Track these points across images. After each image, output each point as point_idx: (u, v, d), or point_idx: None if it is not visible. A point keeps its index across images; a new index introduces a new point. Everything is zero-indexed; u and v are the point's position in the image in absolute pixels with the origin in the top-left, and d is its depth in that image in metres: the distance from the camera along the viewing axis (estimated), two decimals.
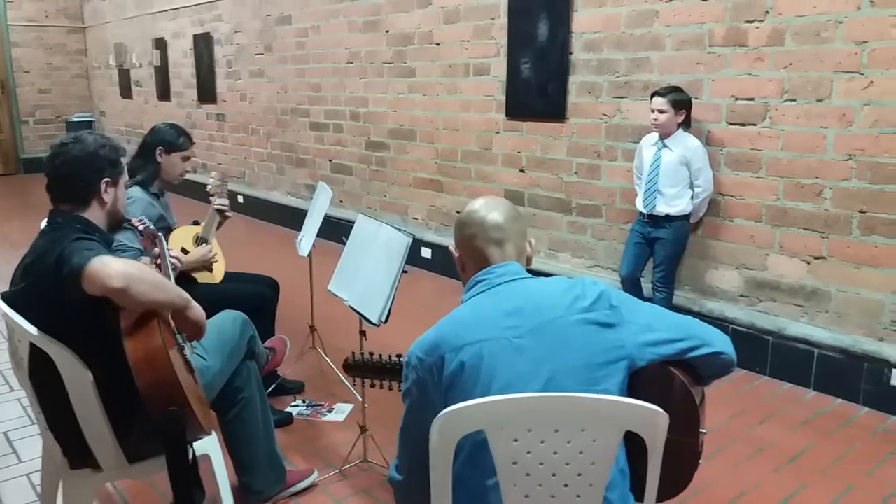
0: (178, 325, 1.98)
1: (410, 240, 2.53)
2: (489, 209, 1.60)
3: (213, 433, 2.11)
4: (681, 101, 3.61)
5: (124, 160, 2.12)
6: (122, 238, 2.62)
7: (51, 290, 1.80)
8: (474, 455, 1.38)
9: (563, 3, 4.34)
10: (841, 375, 3.36)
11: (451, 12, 5.12)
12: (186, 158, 3.14)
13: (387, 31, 5.69)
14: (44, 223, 2.03)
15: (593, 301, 1.47)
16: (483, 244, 1.58)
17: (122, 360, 1.74)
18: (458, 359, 1.41)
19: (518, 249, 1.60)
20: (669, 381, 1.52)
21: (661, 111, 3.60)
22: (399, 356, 2.00)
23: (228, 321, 2.41)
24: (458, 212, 5.32)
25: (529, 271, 1.60)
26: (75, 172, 1.99)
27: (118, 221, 2.13)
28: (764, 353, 3.61)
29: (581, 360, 1.41)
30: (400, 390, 1.88)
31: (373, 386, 2.31)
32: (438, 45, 5.26)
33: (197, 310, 1.96)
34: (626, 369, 1.45)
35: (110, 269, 1.70)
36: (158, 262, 2.31)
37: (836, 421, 3.19)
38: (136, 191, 2.96)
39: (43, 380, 1.90)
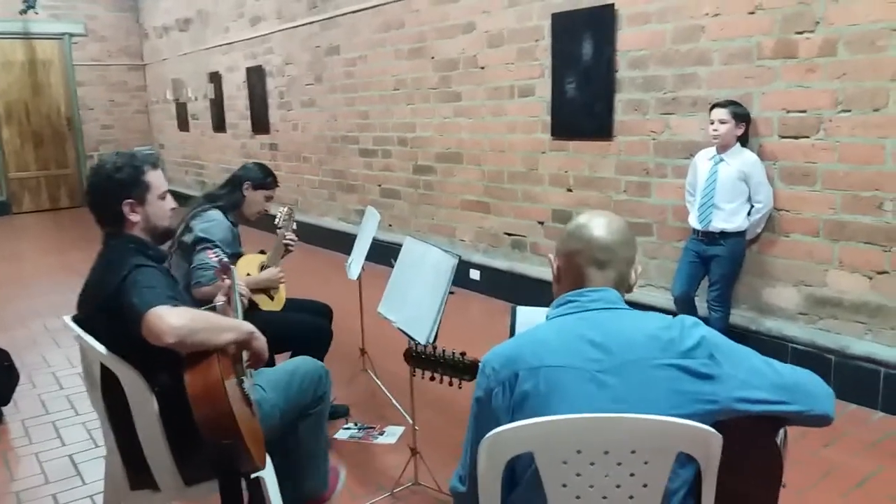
0: (242, 353, 2.02)
1: (456, 261, 2.54)
2: (600, 227, 1.48)
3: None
4: (741, 114, 3.57)
5: (150, 174, 2.05)
6: (204, 258, 2.85)
7: (114, 317, 1.84)
8: (531, 485, 1.35)
9: (607, 21, 4.33)
10: None
11: (494, 36, 5.16)
12: (269, 198, 3.33)
13: (432, 57, 5.77)
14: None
15: (692, 347, 1.35)
16: (584, 263, 1.47)
17: (183, 387, 1.78)
18: (533, 380, 1.35)
19: (620, 276, 1.49)
20: (757, 436, 1.43)
21: (721, 121, 3.54)
22: (463, 354, 1.97)
23: (307, 364, 2.40)
24: (505, 233, 5.33)
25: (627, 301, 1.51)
26: (98, 200, 2.04)
27: (161, 235, 2.13)
28: (826, 372, 3.47)
29: (665, 407, 1.30)
30: (459, 387, 1.87)
31: (432, 379, 2.21)
32: (483, 68, 5.31)
33: (259, 340, 2.00)
34: (712, 421, 1.34)
35: (164, 325, 1.72)
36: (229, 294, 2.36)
37: None
38: (218, 214, 3.11)
39: (114, 399, 1.96)
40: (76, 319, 2.03)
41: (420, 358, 2.13)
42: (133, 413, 1.92)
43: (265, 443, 2.04)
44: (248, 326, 1.98)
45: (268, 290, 3.22)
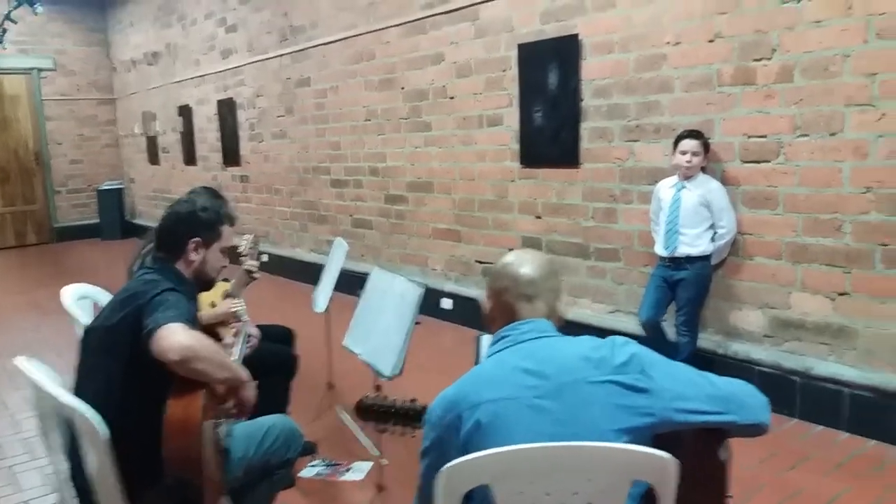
0: (229, 398, 2.03)
1: (422, 291, 2.53)
2: (524, 263, 1.56)
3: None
4: (708, 145, 3.65)
5: (226, 228, 2.22)
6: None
7: (132, 329, 1.88)
8: None
9: (572, 51, 4.40)
10: (874, 415, 3.23)
11: (463, 66, 5.22)
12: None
13: (402, 88, 5.81)
14: (137, 265, 2.18)
15: (623, 363, 1.40)
16: (513, 299, 1.54)
17: (155, 422, 1.78)
18: (475, 417, 1.37)
19: (549, 307, 1.56)
20: (700, 449, 1.45)
21: (694, 153, 3.60)
22: (413, 400, 1.96)
23: (283, 423, 2.32)
24: (477, 261, 5.33)
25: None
26: (171, 226, 2.16)
27: (204, 283, 2.23)
28: (792, 394, 3.49)
29: (606, 424, 1.34)
30: (413, 436, 1.85)
31: (382, 431, 2.19)
32: (452, 98, 5.35)
33: (250, 392, 2.05)
34: (652, 436, 1.37)
35: (173, 340, 1.77)
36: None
37: (871, 463, 3.06)
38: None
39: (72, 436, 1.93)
40: (90, 328, 2.08)
41: (371, 409, 2.10)
42: (84, 452, 1.87)
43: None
44: (247, 374, 2.03)
45: (228, 322, 3.15)
